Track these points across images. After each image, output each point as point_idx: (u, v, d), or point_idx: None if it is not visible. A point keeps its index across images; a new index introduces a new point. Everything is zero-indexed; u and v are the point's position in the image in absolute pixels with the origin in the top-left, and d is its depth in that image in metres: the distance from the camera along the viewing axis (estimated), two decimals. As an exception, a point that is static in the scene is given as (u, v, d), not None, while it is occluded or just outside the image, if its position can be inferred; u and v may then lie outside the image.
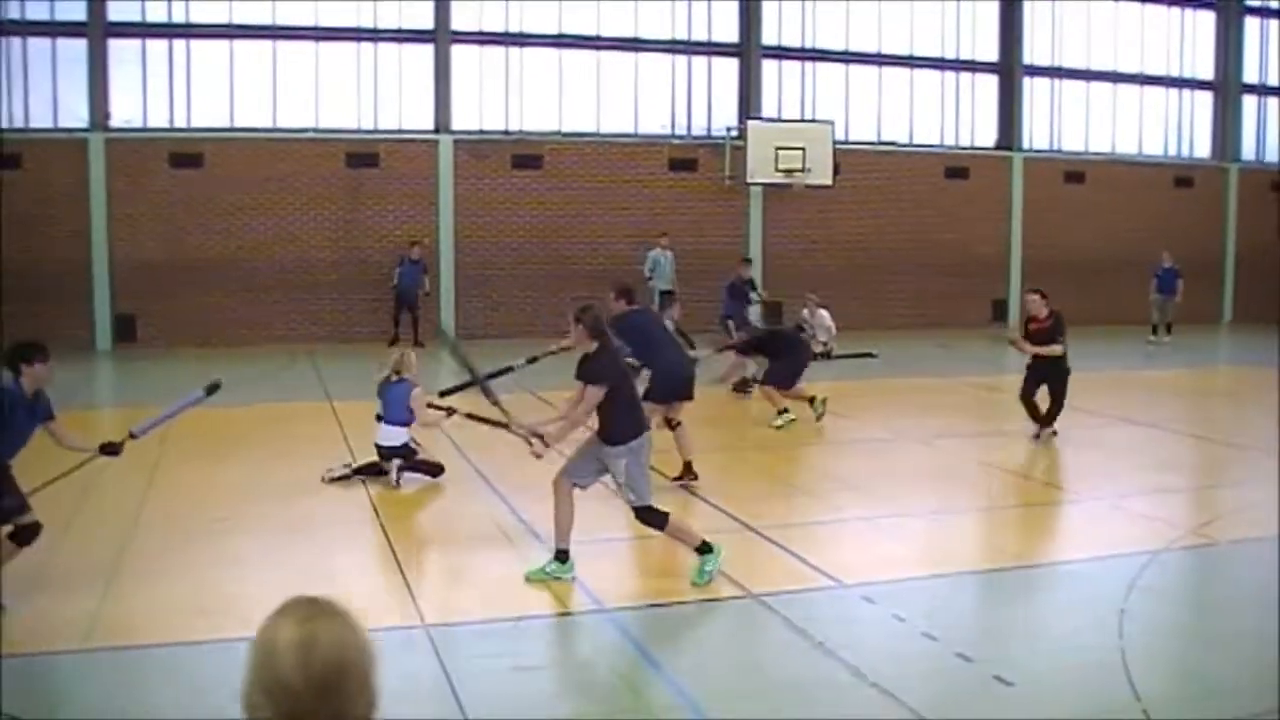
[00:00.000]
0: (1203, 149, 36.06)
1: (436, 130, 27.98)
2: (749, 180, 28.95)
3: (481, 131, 28.39)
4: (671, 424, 12.86)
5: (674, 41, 29.92)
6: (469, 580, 9.90)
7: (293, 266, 26.74)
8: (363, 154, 27.33)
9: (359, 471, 12.99)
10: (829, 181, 29.00)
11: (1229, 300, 35.69)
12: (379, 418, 13.10)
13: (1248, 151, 36.51)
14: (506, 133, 28.54)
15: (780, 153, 28.46)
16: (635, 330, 12.79)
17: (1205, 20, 35.55)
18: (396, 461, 12.83)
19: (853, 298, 28.55)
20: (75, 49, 26.30)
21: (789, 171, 28.56)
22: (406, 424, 12.91)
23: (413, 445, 13.06)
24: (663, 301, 21.06)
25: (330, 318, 27.19)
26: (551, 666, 7.69)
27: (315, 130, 27.30)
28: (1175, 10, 35.14)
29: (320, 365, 23.43)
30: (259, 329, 26.39)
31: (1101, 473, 13.60)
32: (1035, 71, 33.38)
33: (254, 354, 24.74)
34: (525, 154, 28.34)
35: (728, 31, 30.36)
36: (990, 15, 32.93)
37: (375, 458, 13.01)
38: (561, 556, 9.32)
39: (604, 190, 28.63)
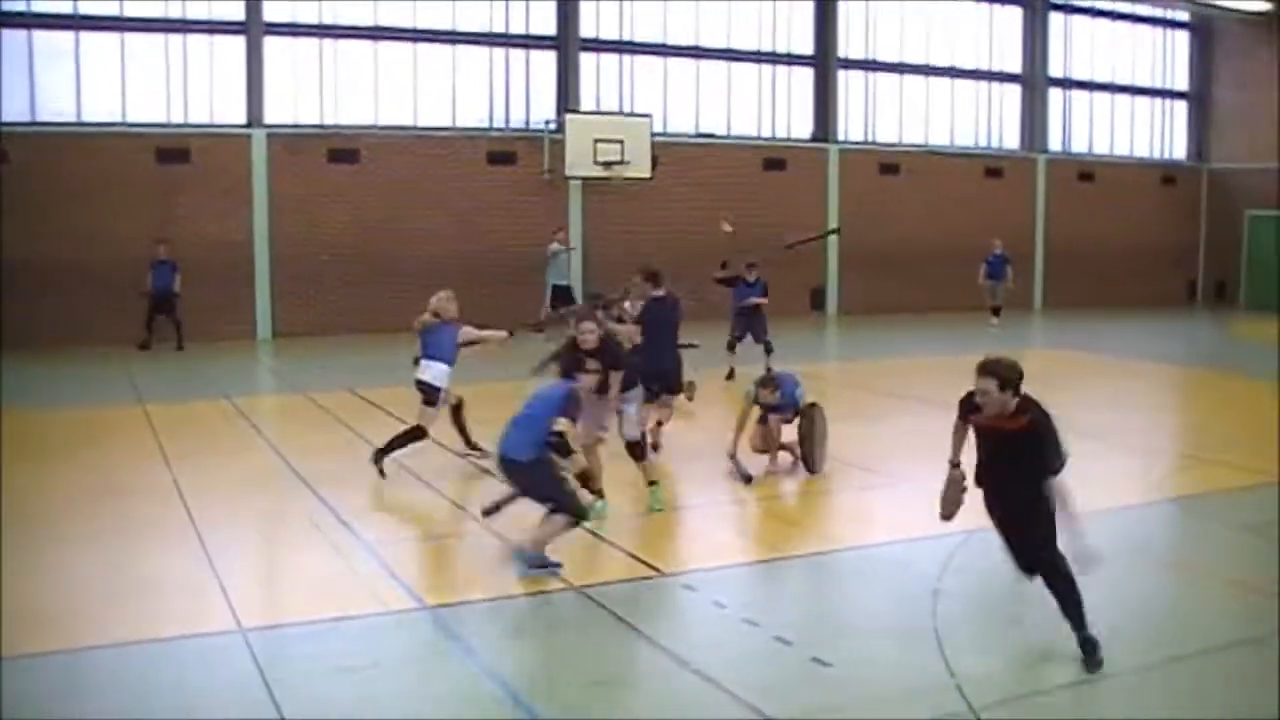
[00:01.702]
0: (1012, 140, 37.05)
1: (249, 124, 27.46)
2: (568, 174, 28.93)
3: (296, 125, 27.93)
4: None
5: (491, 34, 29.79)
6: (287, 580, 9.79)
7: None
8: (174, 149, 26.66)
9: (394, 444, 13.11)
10: (648, 174, 29.12)
11: (1039, 287, 36.71)
12: (417, 360, 13.73)
13: (1054, 143, 37.62)
14: (322, 126, 28.14)
15: (599, 145, 28.49)
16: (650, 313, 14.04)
17: (1013, 15, 36.50)
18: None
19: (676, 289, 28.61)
20: None
21: (607, 164, 28.60)
22: (450, 363, 13.32)
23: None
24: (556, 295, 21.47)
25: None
26: (374, 667, 7.55)
27: (124, 124, 26.55)
28: (984, 6, 36.04)
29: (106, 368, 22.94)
30: (66, 330, 25.53)
31: (912, 456, 13.85)
32: (850, 65, 33.99)
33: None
34: (341, 148, 27.98)
35: (545, 24, 30.31)
36: (806, 10, 33.43)
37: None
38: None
39: (422, 184, 28.38)
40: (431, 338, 13.52)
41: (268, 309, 27.54)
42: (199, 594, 9.03)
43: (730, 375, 20.07)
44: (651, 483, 11.53)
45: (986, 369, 7.51)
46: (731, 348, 20.68)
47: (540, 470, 9.31)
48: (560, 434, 9.34)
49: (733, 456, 12.87)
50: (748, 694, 7.00)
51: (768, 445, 13.24)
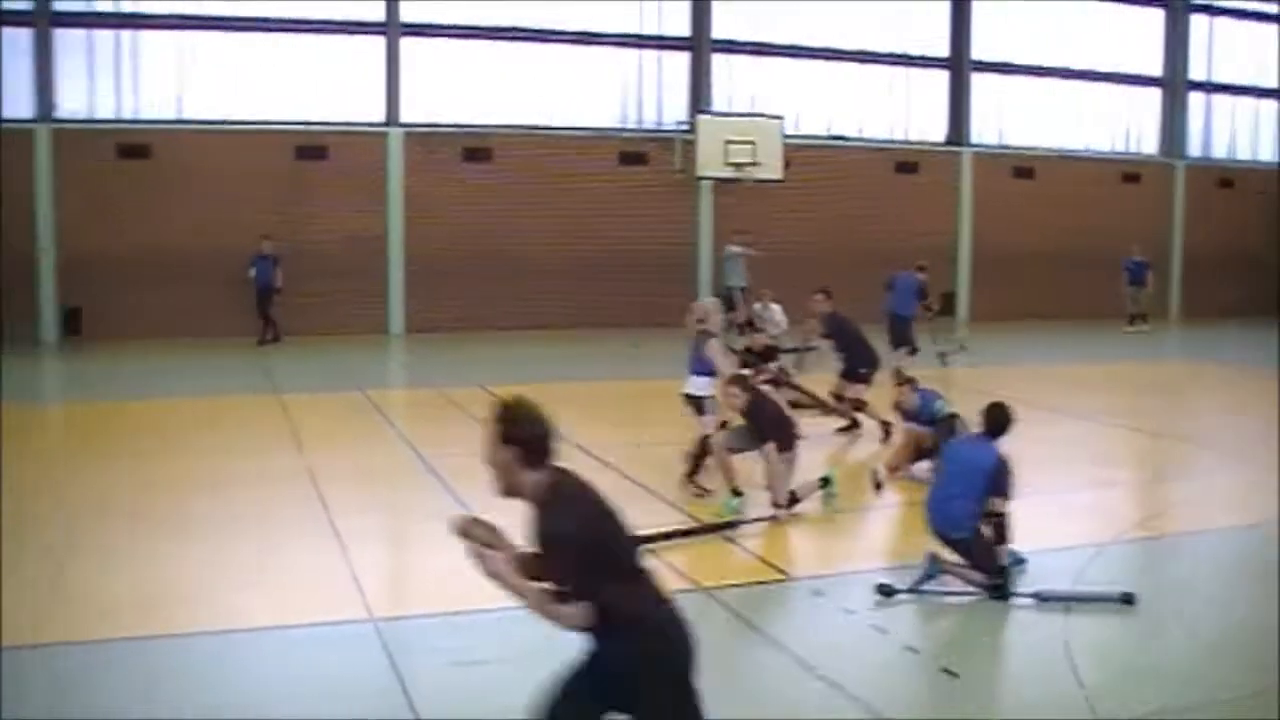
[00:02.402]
0: (1150, 145, 36.36)
1: (387, 123, 27.89)
2: (698, 174, 28.98)
3: (432, 124, 28.29)
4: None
5: (625, 35, 29.91)
6: (417, 572, 9.95)
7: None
8: (312, 146, 27.17)
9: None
10: (779, 176, 29.06)
11: (1176, 296, 35.97)
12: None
13: (1194, 148, 36.84)
14: (457, 125, 28.46)
15: (730, 146, 28.50)
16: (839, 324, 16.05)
17: (1153, 17, 35.81)
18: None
19: (804, 291, 28.49)
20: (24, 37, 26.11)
21: (738, 165, 28.60)
22: (707, 374, 12.86)
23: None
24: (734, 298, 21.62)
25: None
26: (500, 661, 7.65)
27: (264, 121, 27.11)
28: (1123, 7, 35.38)
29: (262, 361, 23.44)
30: (201, 323, 26.14)
31: (1046, 467, 13.69)
32: (984, 67, 33.57)
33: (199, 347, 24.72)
34: (476, 147, 28.27)
35: (679, 25, 30.36)
36: (941, 11, 33.08)
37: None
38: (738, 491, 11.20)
39: (554, 183, 28.56)
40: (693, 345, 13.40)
41: (400, 304, 27.96)
42: (332, 582, 9.24)
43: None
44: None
45: None
46: (913, 351, 20.55)
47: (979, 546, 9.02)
48: (1000, 514, 9.07)
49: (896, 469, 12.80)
50: (874, 701, 6.98)
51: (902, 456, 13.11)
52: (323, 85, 27.73)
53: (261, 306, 25.94)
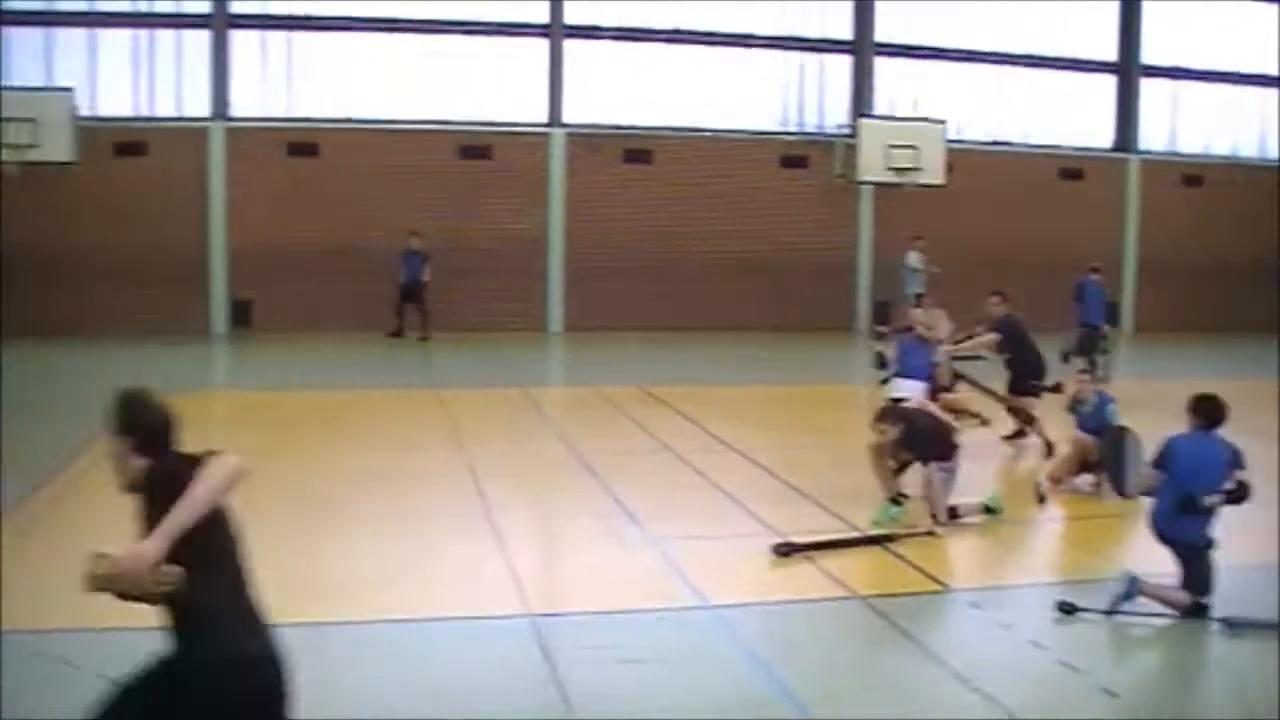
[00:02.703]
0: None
1: (550, 124, 28.19)
2: (859, 179, 28.83)
3: (594, 125, 28.52)
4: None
5: (787, 37, 29.84)
6: (574, 569, 10.05)
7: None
8: (475, 146, 27.57)
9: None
10: (941, 181, 28.76)
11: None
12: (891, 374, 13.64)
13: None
14: (618, 127, 28.64)
15: (892, 151, 28.31)
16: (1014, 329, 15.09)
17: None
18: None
19: (964, 299, 28.16)
20: (201, 40, 27.00)
21: (901, 170, 28.39)
22: (918, 379, 13.05)
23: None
24: (916, 305, 21.41)
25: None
26: (655, 661, 7.69)
27: (429, 121, 27.59)
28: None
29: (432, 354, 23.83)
30: (364, 317, 26.68)
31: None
32: (1154, 72, 32.79)
33: (352, 340, 25.25)
34: (637, 148, 28.43)
35: (841, 28, 30.20)
36: (1110, 12, 32.40)
37: None
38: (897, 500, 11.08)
39: (714, 186, 28.58)
40: (910, 351, 13.36)
41: (559, 303, 28.23)
42: (489, 577, 9.38)
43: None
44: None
45: None
46: (1066, 359, 20.06)
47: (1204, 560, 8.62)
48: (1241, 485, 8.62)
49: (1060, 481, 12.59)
50: (1030, 716, 6.89)
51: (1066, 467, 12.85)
52: (487, 86, 28.09)
53: (403, 301, 26.39)
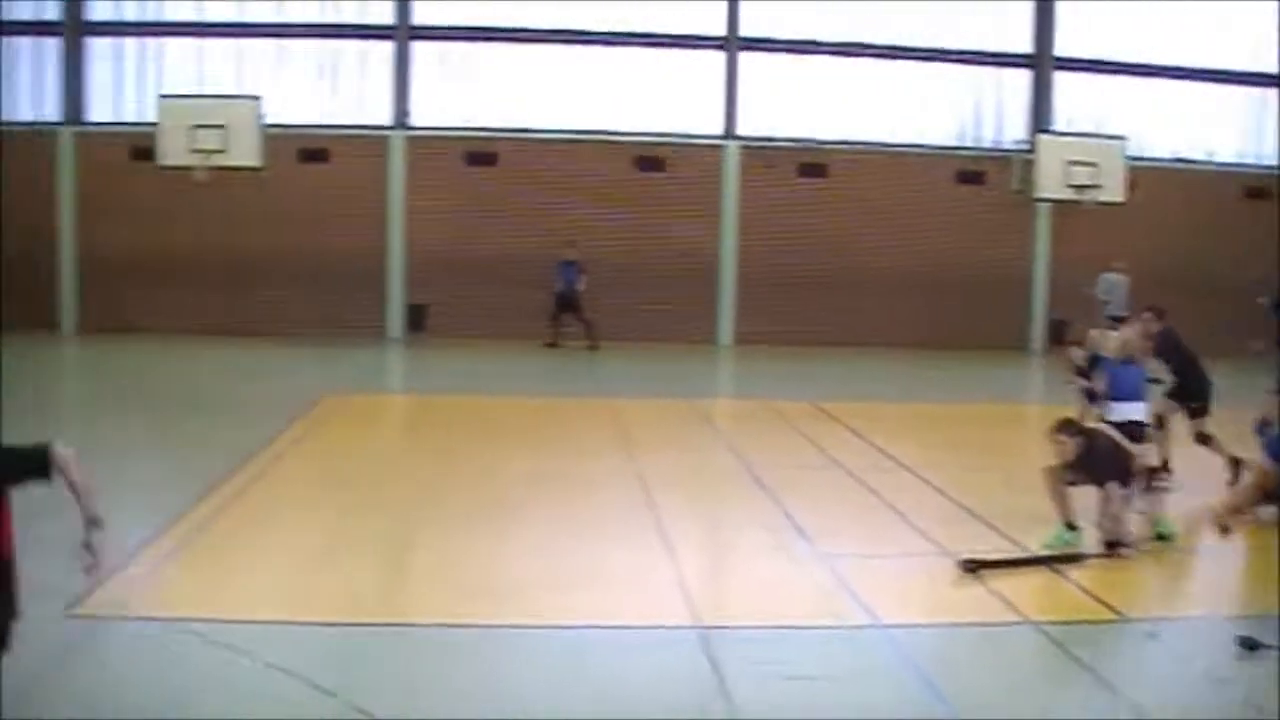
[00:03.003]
0: None
1: (725, 135, 28.26)
2: (1037, 195, 28.39)
3: (768, 138, 28.51)
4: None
5: (966, 51, 29.48)
6: (742, 582, 10.08)
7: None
8: (650, 157, 27.75)
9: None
10: (1121, 198, 28.18)
11: None
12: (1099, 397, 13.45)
13: None
14: (794, 140, 28.59)
15: (1071, 167, 27.83)
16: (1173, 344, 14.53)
17: None
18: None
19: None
20: (383, 50, 27.70)
21: (1079, 188, 27.90)
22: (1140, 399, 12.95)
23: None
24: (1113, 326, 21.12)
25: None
26: (824, 678, 7.68)
27: (605, 132, 27.85)
28: None
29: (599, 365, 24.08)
30: (536, 325, 26.95)
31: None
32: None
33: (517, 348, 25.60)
34: (811, 162, 28.34)
35: (1021, 42, 29.76)
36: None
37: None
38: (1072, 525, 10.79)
39: (889, 200, 28.35)
40: (1122, 375, 13.22)
41: (730, 315, 28.26)
42: (657, 585, 9.48)
43: None
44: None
45: None
46: None
47: None
48: None
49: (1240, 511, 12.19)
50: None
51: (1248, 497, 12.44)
52: (663, 98, 28.25)
53: (559, 311, 26.56)
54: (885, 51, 29.09)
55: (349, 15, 27.96)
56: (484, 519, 11.40)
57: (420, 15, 27.85)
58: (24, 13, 28.05)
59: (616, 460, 14.32)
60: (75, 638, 7.94)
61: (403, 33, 27.64)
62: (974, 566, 9.78)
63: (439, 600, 9.05)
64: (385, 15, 27.71)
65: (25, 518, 10.74)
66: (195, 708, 6.95)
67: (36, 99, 28.17)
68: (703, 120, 28.41)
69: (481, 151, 27.37)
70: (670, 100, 28.37)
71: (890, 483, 13.34)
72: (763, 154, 28.15)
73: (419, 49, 27.92)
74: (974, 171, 29.07)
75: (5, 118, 27.05)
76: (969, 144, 29.72)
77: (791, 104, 28.80)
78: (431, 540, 10.72)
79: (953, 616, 9.00)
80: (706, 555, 11.07)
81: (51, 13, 27.92)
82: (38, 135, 27.30)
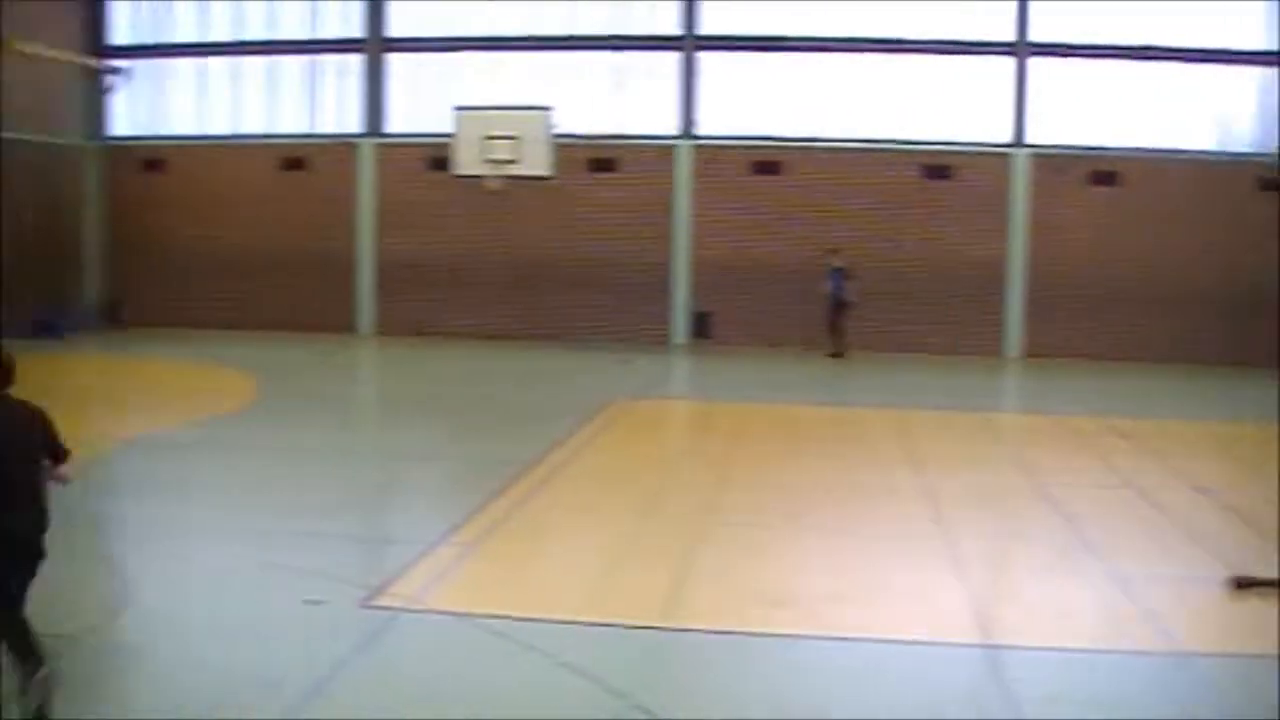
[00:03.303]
0: None
1: (1014, 144, 27.66)
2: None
3: (1059, 146, 27.80)
4: None
5: (1259, 52, 28.13)
6: (1030, 602, 9.85)
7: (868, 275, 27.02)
8: (937, 166, 27.38)
9: None
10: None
11: None
12: None
13: None
14: (1087, 148, 27.78)
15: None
16: None
17: None
18: None
19: None
20: (670, 61, 28.08)
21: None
22: None
23: None
24: None
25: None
26: (1117, 706, 7.37)
27: (891, 141, 27.60)
28: None
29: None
30: (806, 331, 26.92)
31: None
32: None
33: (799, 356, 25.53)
34: (1105, 170, 27.52)
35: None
36: None
37: None
38: None
39: (1183, 210, 27.26)
40: None
41: (1017, 327, 27.60)
42: (945, 602, 9.34)
43: None
44: None
45: None
46: None
47: None
48: None
49: None
50: None
51: None
52: (950, 106, 27.82)
53: (833, 319, 26.38)
54: (1178, 54, 27.87)
55: (637, 27, 28.41)
56: (769, 526, 11.46)
57: (706, 25, 28.08)
58: (330, 31, 29.45)
59: (904, 473, 14.18)
60: (371, 629, 8.28)
61: (689, 43, 27.97)
62: (1246, 584, 9.38)
63: (727, 606, 9.12)
64: (673, 26, 28.05)
65: (312, 516, 11.35)
66: (487, 700, 7.20)
67: (341, 112, 29.59)
68: (991, 128, 27.84)
69: (766, 160, 27.47)
70: (957, 108, 27.91)
71: (1185, 504, 12.88)
72: (1055, 162, 27.44)
73: (705, 59, 28.16)
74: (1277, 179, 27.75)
75: (312, 130, 28.66)
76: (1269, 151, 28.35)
77: (1083, 110, 28.00)
78: (718, 546, 10.80)
79: (1253, 645, 8.59)
80: (995, 573, 10.84)
81: (355, 30, 29.20)
82: (340, 146, 28.71)
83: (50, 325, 26.79)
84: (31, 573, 6.66)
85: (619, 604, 9.05)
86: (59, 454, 6.93)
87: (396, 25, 29.38)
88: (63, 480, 7.01)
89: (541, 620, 8.46)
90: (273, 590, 9.24)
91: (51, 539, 6.61)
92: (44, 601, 6.75)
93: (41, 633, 6.55)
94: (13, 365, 6.73)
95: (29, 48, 26.55)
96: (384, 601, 8.84)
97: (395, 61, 29.50)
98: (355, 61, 29.52)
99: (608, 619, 8.59)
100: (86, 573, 9.47)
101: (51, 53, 27.93)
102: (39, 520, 6.66)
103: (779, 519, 11.80)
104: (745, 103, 28.17)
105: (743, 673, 7.79)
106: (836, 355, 26.01)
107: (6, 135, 26.22)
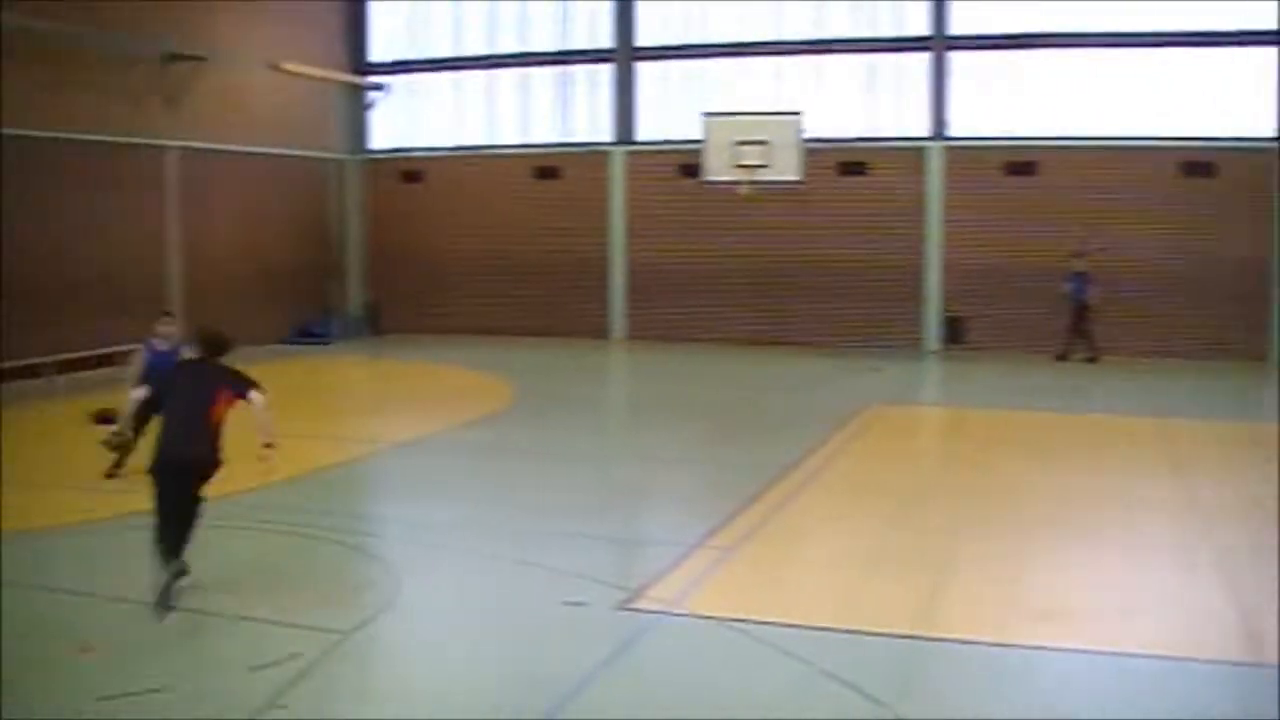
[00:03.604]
0: None
1: (1277, 138, 26.42)
2: None
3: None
4: None
5: None
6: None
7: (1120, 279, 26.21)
8: (1197, 163, 26.38)
9: None
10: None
11: None
12: None
13: None
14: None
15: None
16: None
17: None
18: None
19: None
20: (921, 61, 27.84)
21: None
22: None
23: None
24: None
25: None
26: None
27: (1149, 138, 26.73)
28: None
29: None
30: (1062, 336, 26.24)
31: None
32: None
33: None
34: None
35: None
36: None
37: None
38: None
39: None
40: None
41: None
42: (1216, 619, 9.05)
43: None
44: None
45: None
46: None
47: None
48: None
49: None
50: None
51: None
52: (1211, 101, 26.72)
53: (1075, 323, 25.76)
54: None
55: (885, 29, 28.22)
56: (1029, 536, 11.34)
57: (956, 25, 27.73)
58: (580, 42, 30.04)
59: (1167, 483, 13.79)
60: (631, 632, 8.47)
61: (939, 43, 27.64)
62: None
63: (987, 617, 9.02)
64: (921, 27, 27.79)
65: (573, 518, 11.63)
66: (748, 705, 7.31)
67: (592, 120, 30.14)
68: (1254, 121, 26.63)
69: (1020, 161, 26.96)
70: (1220, 103, 26.84)
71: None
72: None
73: (956, 59, 27.80)
74: None
75: (565, 139, 29.42)
76: None
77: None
78: (977, 554, 10.68)
79: None
80: (1269, 591, 10.45)
81: (604, 41, 29.73)
82: (592, 155, 29.27)
83: (317, 331, 28.09)
84: (186, 490, 8.81)
85: (879, 611, 9.04)
86: (246, 388, 9.05)
87: (644, 34, 29.79)
88: (257, 405, 9.05)
89: (800, 626, 8.53)
90: (534, 590, 9.55)
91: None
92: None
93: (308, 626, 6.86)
94: (222, 340, 9.25)
95: (298, 69, 27.95)
96: (642, 604, 9.03)
97: (643, 70, 29.91)
98: (605, 71, 30.07)
99: (865, 626, 8.60)
100: (361, 569, 9.92)
101: (319, 72, 29.31)
102: (200, 452, 8.82)
103: (1040, 527, 11.65)
104: (997, 102, 27.65)
105: (1008, 687, 7.71)
106: (1090, 360, 25.36)
107: (280, 151, 27.69)
